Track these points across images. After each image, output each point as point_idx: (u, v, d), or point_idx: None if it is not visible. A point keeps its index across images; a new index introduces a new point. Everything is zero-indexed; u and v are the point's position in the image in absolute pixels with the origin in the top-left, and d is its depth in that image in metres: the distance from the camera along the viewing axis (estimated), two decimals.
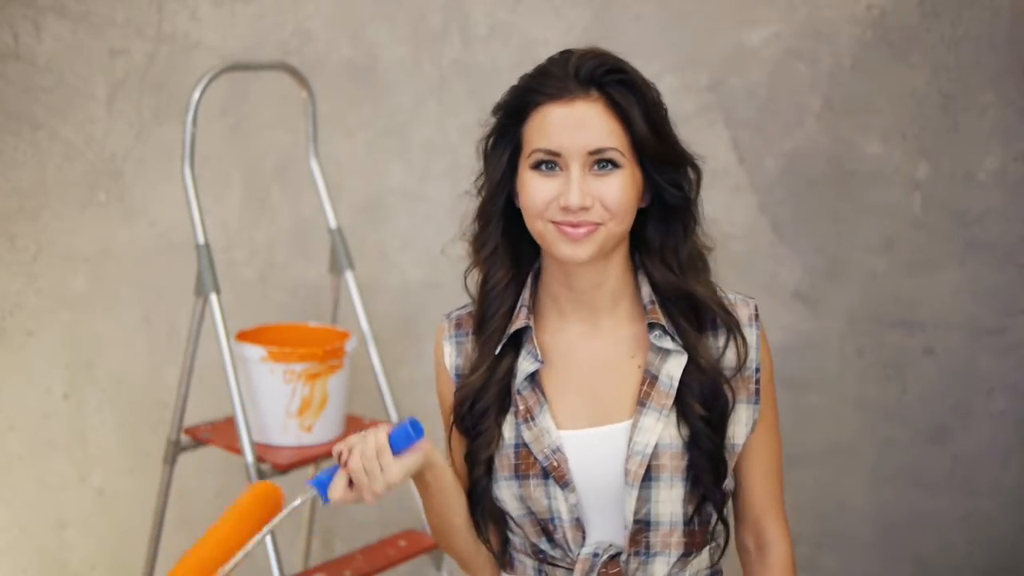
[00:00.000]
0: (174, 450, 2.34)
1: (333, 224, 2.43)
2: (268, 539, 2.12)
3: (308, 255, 2.75)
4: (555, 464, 1.33)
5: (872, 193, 2.48)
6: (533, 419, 1.35)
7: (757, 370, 1.38)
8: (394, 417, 2.38)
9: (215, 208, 2.67)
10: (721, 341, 1.36)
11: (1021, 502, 2.50)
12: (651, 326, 1.35)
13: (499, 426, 1.37)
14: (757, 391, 1.38)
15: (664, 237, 1.36)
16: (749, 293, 1.43)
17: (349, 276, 2.42)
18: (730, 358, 1.36)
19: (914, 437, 2.53)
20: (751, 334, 1.37)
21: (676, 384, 1.33)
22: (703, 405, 1.33)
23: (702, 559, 1.39)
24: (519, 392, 1.37)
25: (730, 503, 1.43)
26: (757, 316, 1.39)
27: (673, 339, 1.34)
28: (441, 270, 2.72)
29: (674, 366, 1.34)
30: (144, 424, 2.73)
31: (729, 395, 1.35)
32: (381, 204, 2.74)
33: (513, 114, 1.34)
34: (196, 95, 2.20)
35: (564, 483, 1.33)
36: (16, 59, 2.56)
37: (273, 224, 2.77)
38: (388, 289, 2.74)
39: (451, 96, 2.67)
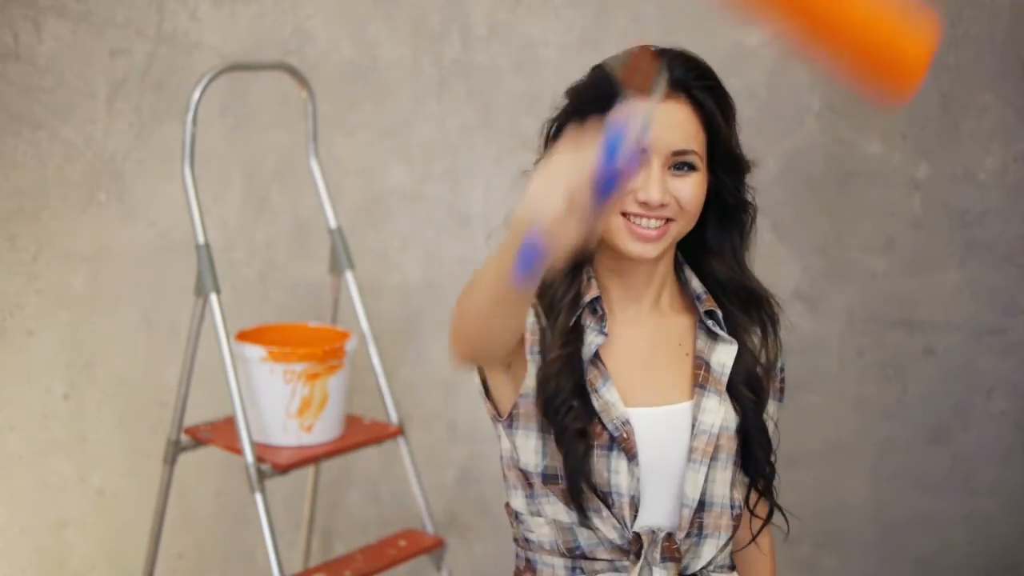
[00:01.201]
0: (174, 450, 2.34)
1: (333, 224, 2.43)
2: (268, 539, 2.12)
3: (308, 255, 2.75)
4: (624, 435, 1.34)
5: (872, 193, 2.48)
6: (596, 391, 1.35)
7: (782, 368, 1.45)
8: (394, 418, 2.38)
9: (215, 208, 2.67)
10: (757, 339, 1.43)
11: (1021, 502, 2.50)
12: (707, 313, 1.40)
13: (583, 405, 1.34)
14: (782, 389, 1.46)
15: (726, 239, 1.43)
16: None
17: (349, 276, 2.42)
18: (764, 354, 1.43)
19: (914, 437, 2.53)
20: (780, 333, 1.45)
21: (728, 372, 1.38)
22: (750, 389, 1.39)
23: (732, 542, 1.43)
24: (588, 364, 1.36)
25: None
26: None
27: (722, 328, 1.40)
28: (441, 270, 2.72)
29: (724, 354, 1.39)
30: (144, 424, 2.73)
31: (766, 385, 1.42)
32: (381, 204, 2.74)
33: (595, 101, 1.32)
34: (196, 95, 2.20)
35: (632, 455, 1.33)
36: (16, 59, 2.56)
37: (273, 224, 2.77)
38: (388, 289, 2.74)
39: (451, 96, 2.67)
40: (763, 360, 1.42)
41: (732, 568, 1.43)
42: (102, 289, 2.69)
